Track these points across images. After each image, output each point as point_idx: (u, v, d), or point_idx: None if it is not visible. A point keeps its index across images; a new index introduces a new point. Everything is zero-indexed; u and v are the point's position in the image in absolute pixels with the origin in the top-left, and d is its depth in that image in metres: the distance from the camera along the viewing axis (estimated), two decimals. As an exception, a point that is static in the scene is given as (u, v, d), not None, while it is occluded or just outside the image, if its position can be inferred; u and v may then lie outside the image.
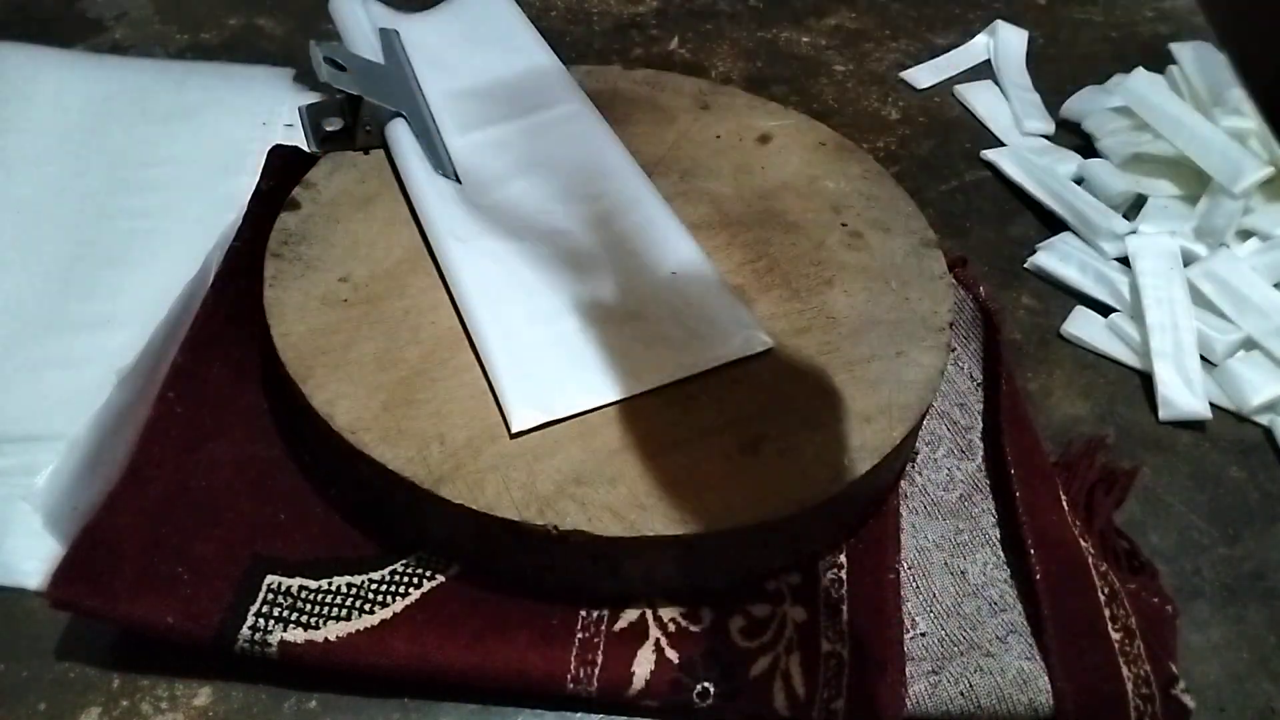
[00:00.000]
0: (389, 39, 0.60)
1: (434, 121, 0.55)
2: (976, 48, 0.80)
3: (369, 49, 0.58)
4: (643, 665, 0.39)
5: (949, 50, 0.79)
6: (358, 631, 0.39)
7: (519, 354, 0.43)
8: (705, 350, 0.45)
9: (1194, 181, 0.64)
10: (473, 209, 0.50)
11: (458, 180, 0.52)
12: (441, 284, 0.47)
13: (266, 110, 0.65)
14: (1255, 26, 0.24)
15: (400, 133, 0.53)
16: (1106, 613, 0.42)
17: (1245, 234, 0.62)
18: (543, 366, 0.43)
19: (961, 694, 0.40)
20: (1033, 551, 0.43)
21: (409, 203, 0.51)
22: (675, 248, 0.49)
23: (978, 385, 0.52)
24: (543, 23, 0.77)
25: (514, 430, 0.41)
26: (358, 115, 0.53)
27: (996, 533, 0.46)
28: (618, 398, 0.43)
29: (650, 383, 0.43)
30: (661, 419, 0.42)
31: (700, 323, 0.46)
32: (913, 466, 0.48)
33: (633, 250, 0.49)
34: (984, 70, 0.77)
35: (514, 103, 0.58)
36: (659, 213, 0.51)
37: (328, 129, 0.54)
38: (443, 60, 0.61)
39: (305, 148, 0.55)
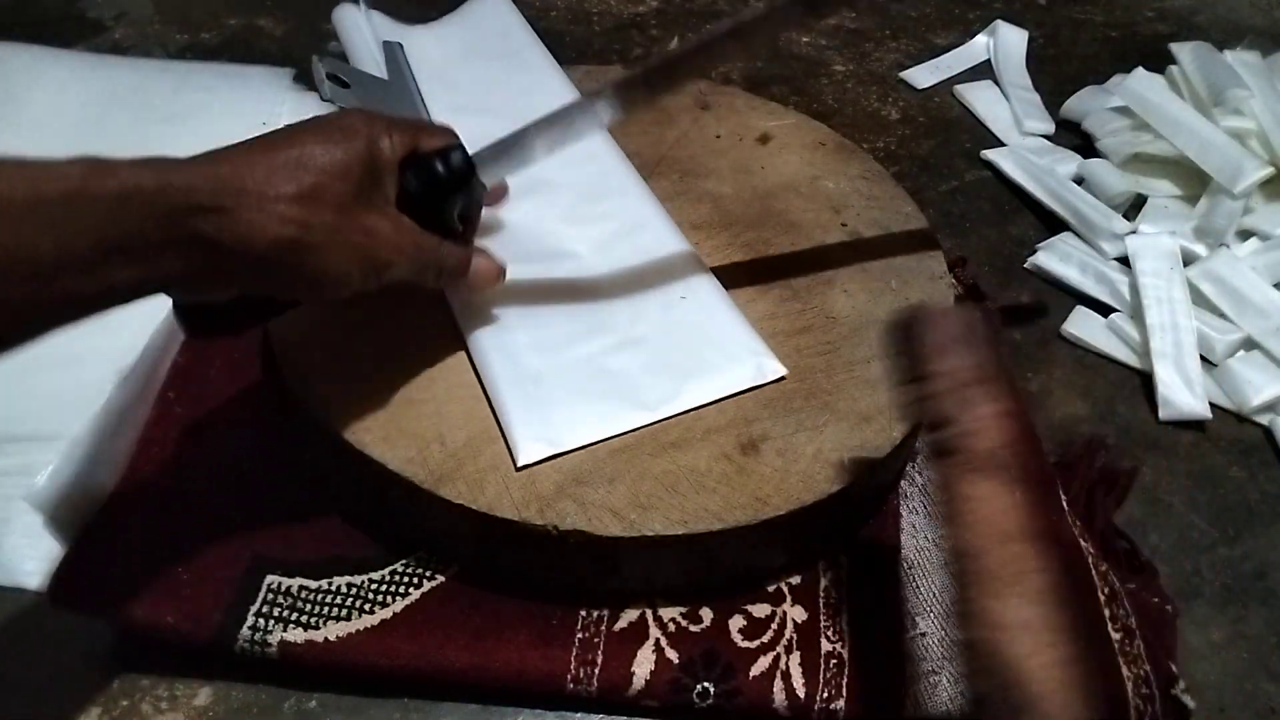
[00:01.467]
0: (392, 52, 0.60)
1: None
2: (976, 48, 0.80)
3: (372, 62, 0.57)
4: (643, 665, 0.39)
5: (949, 50, 0.79)
6: (358, 631, 0.39)
7: (524, 384, 0.42)
8: (716, 379, 0.44)
9: (1194, 181, 0.64)
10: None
11: None
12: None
13: (266, 110, 0.65)
14: None
15: None
16: (1106, 613, 0.42)
17: (1245, 234, 0.62)
18: (549, 397, 0.42)
19: (962, 694, 0.40)
20: (1033, 551, 0.43)
21: None
22: (685, 271, 0.48)
23: (978, 385, 0.52)
24: (543, 23, 0.77)
25: (519, 465, 0.40)
26: None
27: (996, 533, 0.46)
28: (627, 429, 0.42)
29: (661, 414, 0.42)
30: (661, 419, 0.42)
31: (711, 350, 0.45)
32: (913, 466, 0.48)
33: (641, 274, 0.48)
34: (984, 70, 0.78)
35: (520, 119, 0.56)
36: (668, 234, 0.50)
37: None
38: (447, 74, 0.60)
39: None
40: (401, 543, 0.42)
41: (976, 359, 0.35)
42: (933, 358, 0.35)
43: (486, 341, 0.44)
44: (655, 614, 0.41)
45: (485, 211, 0.51)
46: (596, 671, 0.39)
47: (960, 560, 0.32)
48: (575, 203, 0.51)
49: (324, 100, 0.51)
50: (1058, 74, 0.77)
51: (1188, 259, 0.60)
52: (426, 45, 0.62)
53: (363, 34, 0.60)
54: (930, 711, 0.39)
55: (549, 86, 0.59)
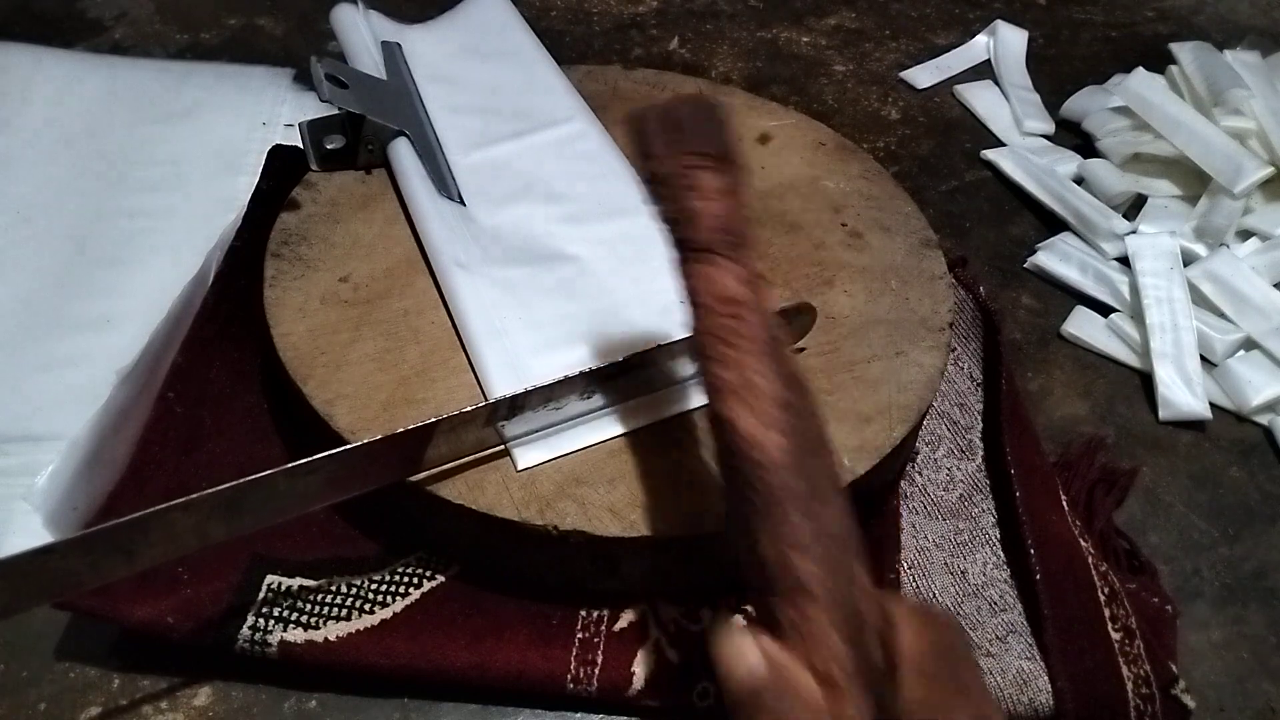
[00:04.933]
0: (391, 52, 0.59)
1: (437, 139, 0.54)
2: (976, 48, 0.80)
3: (371, 63, 0.57)
4: (643, 665, 0.39)
5: (949, 50, 0.79)
6: (358, 631, 0.39)
7: (525, 387, 0.42)
8: None
9: (1194, 181, 0.64)
10: (477, 233, 0.49)
11: (462, 202, 0.51)
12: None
13: (266, 110, 0.65)
14: None
15: (403, 152, 0.52)
16: (1106, 613, 0.42)
17: (1245, 234, 0.62)
18: None
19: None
20: (1033, 551, 0.43)
21: (411, 220, 0.50)
22: None
23: (978, 385, 0.52)
24: (543, 23, 0.77)
25: (519, 468, 0.40)
26: (360, 133, 0.52)
27: (996, 533, 0.46)
28: (625, 430, 0.42)
29: (660, 415, 0.42)
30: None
31: None
32: (913, 466, 0.48)
33: (641, 276, 0.48)
34: (984, 70, 0.78)
35: (519, 120, 0.56)
36: None
37: (329, 147, 0.52)
38: (446, 74, 0.59)
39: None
40: (401, 543, 0.42)
41: (690, 147, 0.34)
42: (651, 155, 0.35)
43: (486, 345, 0.44)
44: (655, 614, 0.41)
45: (485, 213, 0.51)
46: (596, 671, 0.39)
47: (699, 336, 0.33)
48: (575, 205, 0.51)
49: (322, 100, 0.50)
50: (1058, 74, 0.77)
51: (1188, 259, 0.60)
52: (425, 45, 0.61)
53: (361, 34, 0.60)
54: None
55: (548, 86, 0.59)
